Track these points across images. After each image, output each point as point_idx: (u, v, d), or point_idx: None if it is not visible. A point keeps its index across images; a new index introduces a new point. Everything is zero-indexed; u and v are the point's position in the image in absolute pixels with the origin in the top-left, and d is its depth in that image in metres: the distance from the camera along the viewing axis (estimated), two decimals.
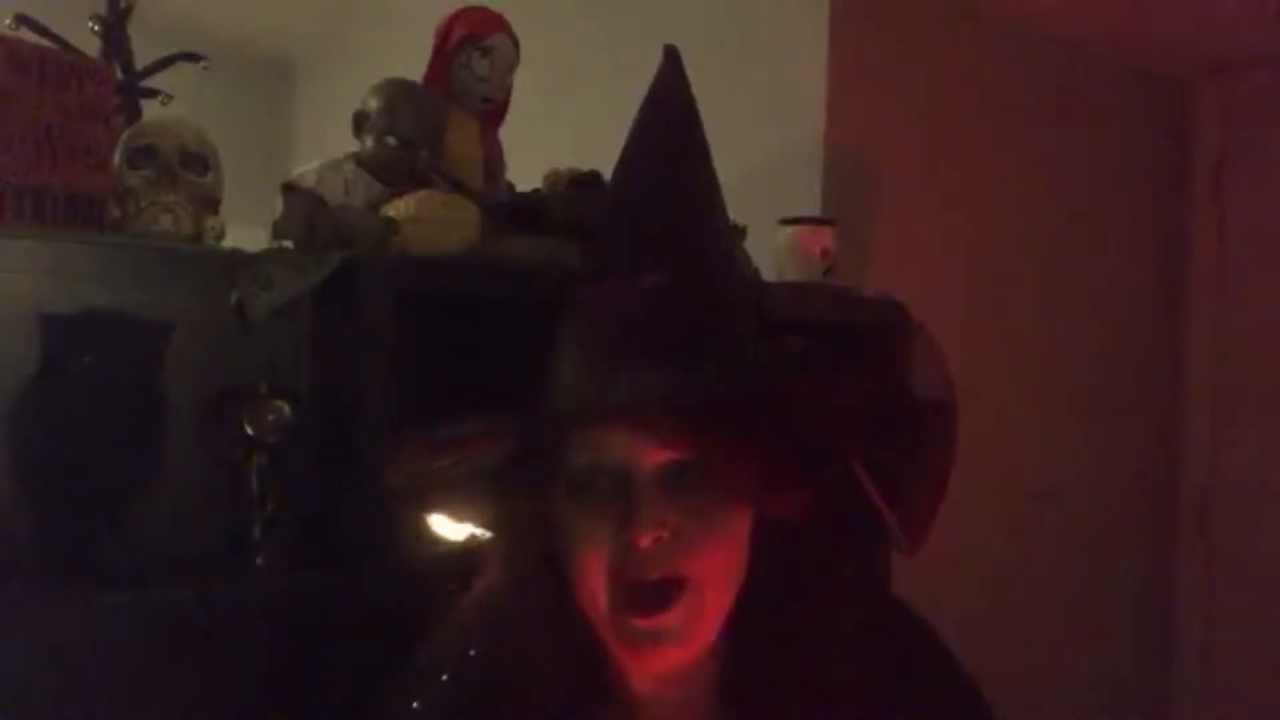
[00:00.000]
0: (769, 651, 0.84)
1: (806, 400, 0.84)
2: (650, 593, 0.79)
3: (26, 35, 1.56)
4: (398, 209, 1.51)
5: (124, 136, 1.44)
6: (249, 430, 1.44)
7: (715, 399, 0.79)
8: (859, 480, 0.84)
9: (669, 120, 0.90)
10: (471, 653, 0.91)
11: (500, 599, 0.89)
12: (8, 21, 1.62)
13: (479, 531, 1.29)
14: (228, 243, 1.45)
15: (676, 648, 0.81)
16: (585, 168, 1.86)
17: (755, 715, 0.84)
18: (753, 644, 0.84)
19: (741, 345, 0.86)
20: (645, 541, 0.77)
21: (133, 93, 1.66)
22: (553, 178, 1.86)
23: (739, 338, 0.86)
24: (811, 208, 2.07)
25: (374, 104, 1.65)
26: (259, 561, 1.44)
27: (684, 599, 0.79)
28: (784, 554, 0.84)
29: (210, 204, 1.46)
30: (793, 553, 0.85)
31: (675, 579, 0.79)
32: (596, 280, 0.85)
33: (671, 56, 0.91)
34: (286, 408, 1.47)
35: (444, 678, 0.91)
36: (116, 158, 1.40)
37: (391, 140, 1.63)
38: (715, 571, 0.81)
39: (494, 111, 1.87)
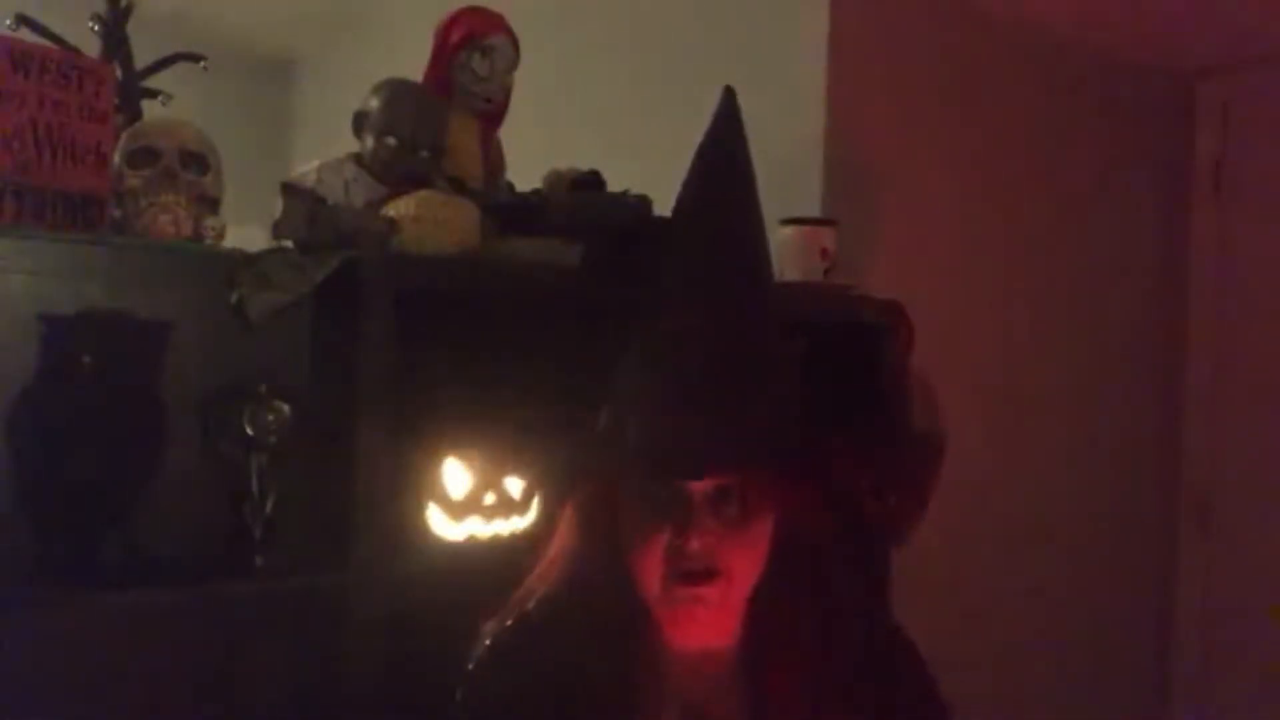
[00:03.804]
0: (779, 638, 1.06)
1: (831, 453, 1.10)
2: (696, 573, 1.02)
3: (26, 35, 1.56)
4: (398, 209, 1.51)
5: (124, 136, 1.44)
6: (249, 430, 1.44)
7: (763, 452, 1.03)
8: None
9: (727, 165, 1.10)
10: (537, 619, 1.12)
11: (569, 581, 1.11)
12: (8, 21, 1.62)
13: (476, 533, 1.54)
14: (228, 243, 1.45)
15: (709, 612, 1.04)
16: (585, 168, 1.86)
17: (767, 690, 1.06)
18: (765, 630, 1.07)
19: (786, 400, 1.08)
20: (696, 545, 1.01)
21: (133, 93, 1.66)
22: (553, 178, 1.86)
23: (784, 392, 1.08)
24: (811, 208, 2.07)
25: (374, 104, 1.65)
26: (259, 561, 1.44)
27: (719, 581, 1.02)
28: (794, 561, 1.06)
29: (210, 204, 1.46)
30: (801, 560, 1.07)
31: (714, 569, 1.02)
32: (665, 323, 1.06)
33: (729, 96, 1.10)
34: (286, 408, 1.46)
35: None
36: (116, 158, 1.40)
37: (391, 140, 1.63)
38: (742, 564, 1.04)
39: (494, 111, 1.86)
